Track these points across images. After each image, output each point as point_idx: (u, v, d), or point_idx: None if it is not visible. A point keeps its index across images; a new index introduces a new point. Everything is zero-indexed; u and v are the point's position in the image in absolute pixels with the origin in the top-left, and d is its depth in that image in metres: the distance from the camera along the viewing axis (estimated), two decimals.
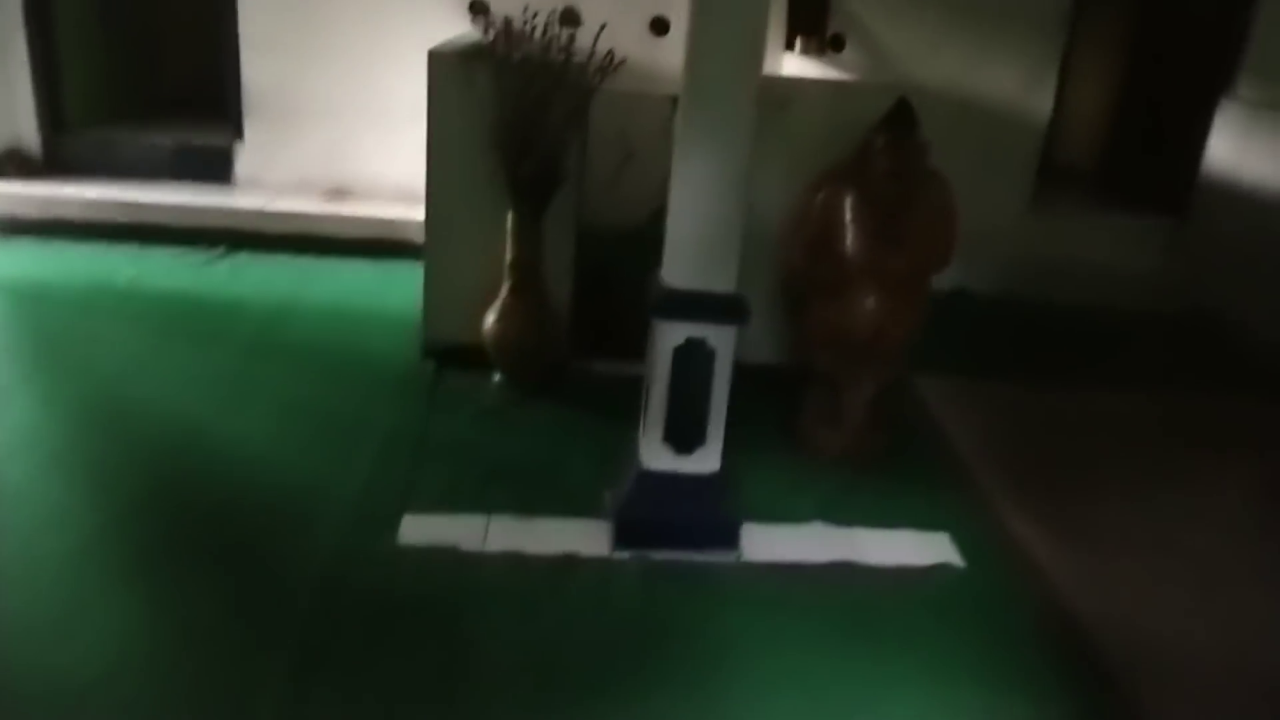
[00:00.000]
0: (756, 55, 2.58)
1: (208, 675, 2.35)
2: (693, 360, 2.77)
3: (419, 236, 5.22)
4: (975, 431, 3.82)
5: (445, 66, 3.71)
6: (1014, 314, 5.26)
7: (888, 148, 3.25)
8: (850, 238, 3.32)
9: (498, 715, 2.31)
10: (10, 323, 4.14)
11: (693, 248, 2.68)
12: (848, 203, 3.32)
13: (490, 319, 3.82)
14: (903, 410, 3.71)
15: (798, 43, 5.46)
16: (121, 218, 5.14)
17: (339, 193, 5.61)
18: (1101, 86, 6.56)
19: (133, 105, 6.15)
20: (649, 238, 4.24)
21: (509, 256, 3.76)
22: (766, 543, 2.96)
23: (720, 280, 2.72)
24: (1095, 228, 5.89)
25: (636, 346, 4.14)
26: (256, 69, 5.46)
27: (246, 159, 5.60)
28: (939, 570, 2.94)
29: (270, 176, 5.60)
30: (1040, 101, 5.74)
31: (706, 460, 2.86)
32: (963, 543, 3.07)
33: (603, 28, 3.49)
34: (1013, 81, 5.69)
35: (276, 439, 3.40)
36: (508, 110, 3.57)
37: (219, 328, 4.29)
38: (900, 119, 3.26)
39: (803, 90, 3.87)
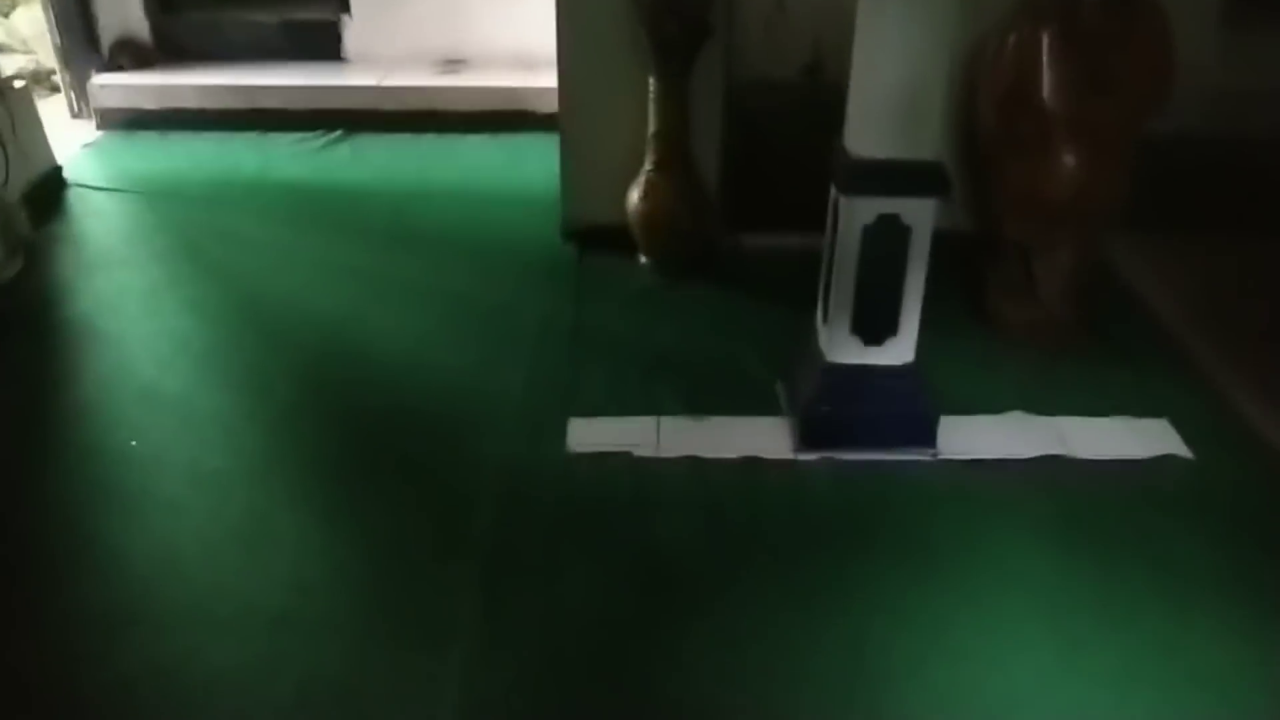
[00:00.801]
0: None
1: (398, 591, 2.26)
2: (885, 240, 2.45)
3: (541, 105, 4.96)
4: (1181, 296, 3.41)
5: None
6: (1205, 154, 4.67)
7: None
8: (1051, 86, 2.88)
9: (697, 627, 2.16)
10: (147, 221, 4.04)
11: (885, 109, 2.32)
12: (1047, 43, 2.87)
13: (634, 197, 3.54)
14: (1101, 278, 3.31)
15: None
16: (236, 104, 4.95)
17: (453, 63, 5.30)
18: None
19: None
20: (804, 94, 3.91)
21: (652, 127, 3.43)
22: (963, 437, 2.69)
23: (919, 146, 2.37)
24: None
25: (793, 217, 3.86)
26: None
27: (355, 32, 5.30)
28: (1163, 463, 2.63)
29: (381, 50, 5.31)
30: None
31: (899, 351, 2.58)
32: (1186, 429, 2.74)
33: None
34: None
35: (427, 334, 3.25)
36: None
37: (349, 216, 4.12)
38: None
39: None
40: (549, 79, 5.03)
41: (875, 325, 2.55)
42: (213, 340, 3.19)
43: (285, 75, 5.09)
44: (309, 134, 4.91)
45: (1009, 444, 2.68)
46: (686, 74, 3.35)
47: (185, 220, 4.04)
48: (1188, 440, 2.70)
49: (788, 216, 3.81)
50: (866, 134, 2.36)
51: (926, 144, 2.37)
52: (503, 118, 5.01)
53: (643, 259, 3.66)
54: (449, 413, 2.85)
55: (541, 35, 5.20)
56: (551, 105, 4.94)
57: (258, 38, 5.31)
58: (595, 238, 3.75)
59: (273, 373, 3.02)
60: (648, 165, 3.49)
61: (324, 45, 5.30)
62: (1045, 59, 2.89)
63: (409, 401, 2.91)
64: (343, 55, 5.34)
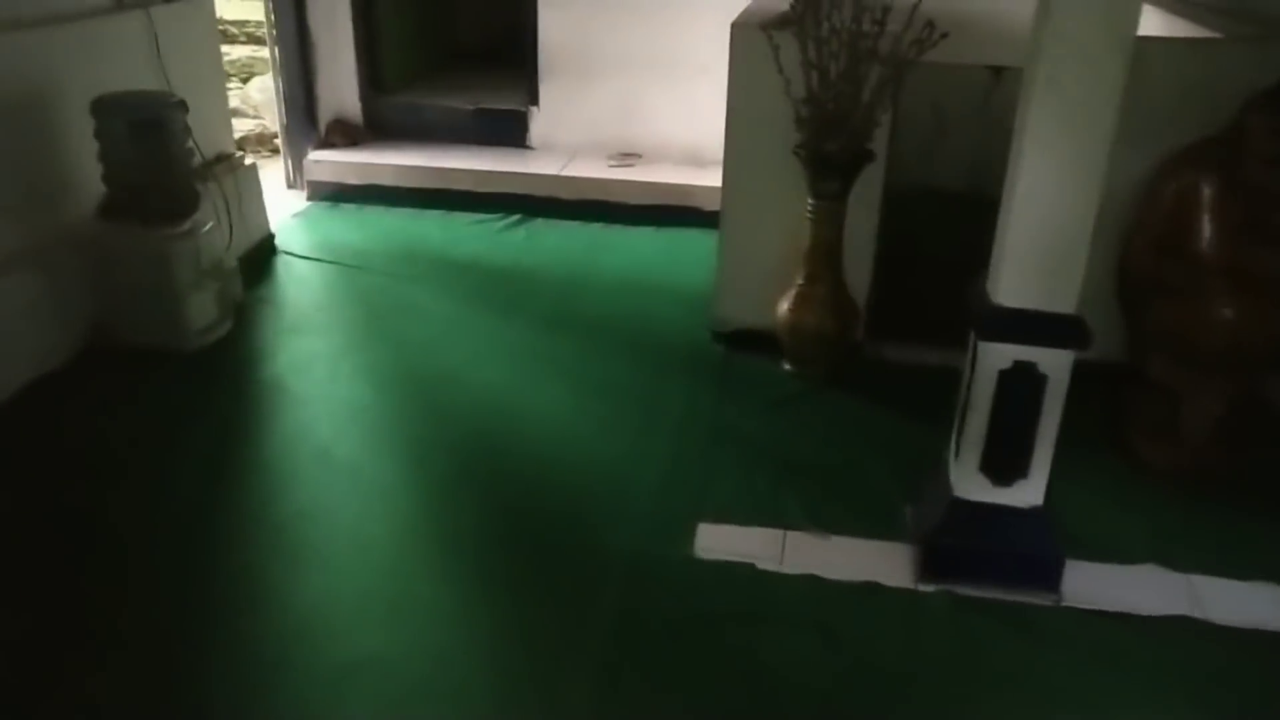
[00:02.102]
0: (1133, 11, 2.21)
1: (524, 669, 2.42)
2: (1020, 386, 2.50)
3: (707, 203, 5.20)
4: None
5: (748, 37, 3.54)
6: None
7: (1268, 129, 2.75)
8: (1210, 236, 2.87)
9: None
10: (340, 289, 4.47)
11: (1031, 259, 2.40)
12: (1210, 192, 2.87)
13: (784, 307, 3.68)
14: (1258, 420, 3.22)
15: None
16: (429, 183, 5.41)
17: (628, 156, 5.62)
18: None
19: (438, 65, 6.44)
20: (958, 207, 3.97)
21: (807, 243, 3.58)
22: (1090, 584, 2.67)
23: (1060, 299, 2.42)
24: None
25: (938, 331, 3.91)
26: (553, 26, 5.53)
27: (540, 122, 5.71)
28: None
29: (562, 139, 5.69)
30: None
31: (1028, 494, 2.60)
32: None
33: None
34: None
35: (575, 419, 3.47)
36: (815, 85, 3.36)
37: (518, 296, 4.43)
38: None
39: (1144, 47, 3.36)
40: (717, 178, 5.29)
41: (1005, 467, 2.59)
42: (383, 408, 3.51)
43: (475, 159, 5.52)
44: (490, 215, 5.30)
45: (1138, 597, 2.64)
46: (844, 196, 3.49)
47: (373, 289, 4.45)
48: None
49: (932, 330, 3.89)
50: (1010, 281, 2.43)
51: (1068, 297, 2.42)
52: (670, 211, 5.27)
53: (786, 365, 3.79)
54: (586, 499, 3.04)
55: (713, 133, 5.44)
56: (717, 203, 5.19)
57: (453, 122, 5.79)
58: (743, 340, 3.91)
59: (432, 443, 3.30)
60: (799, 279, 3.64)
61: (512, 132, 5.73)
62: (1205, 205, 2.89)
63: (551, 484, 3.12)
64: (528, 143, 5.74)
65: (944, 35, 3.14)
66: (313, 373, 3.71)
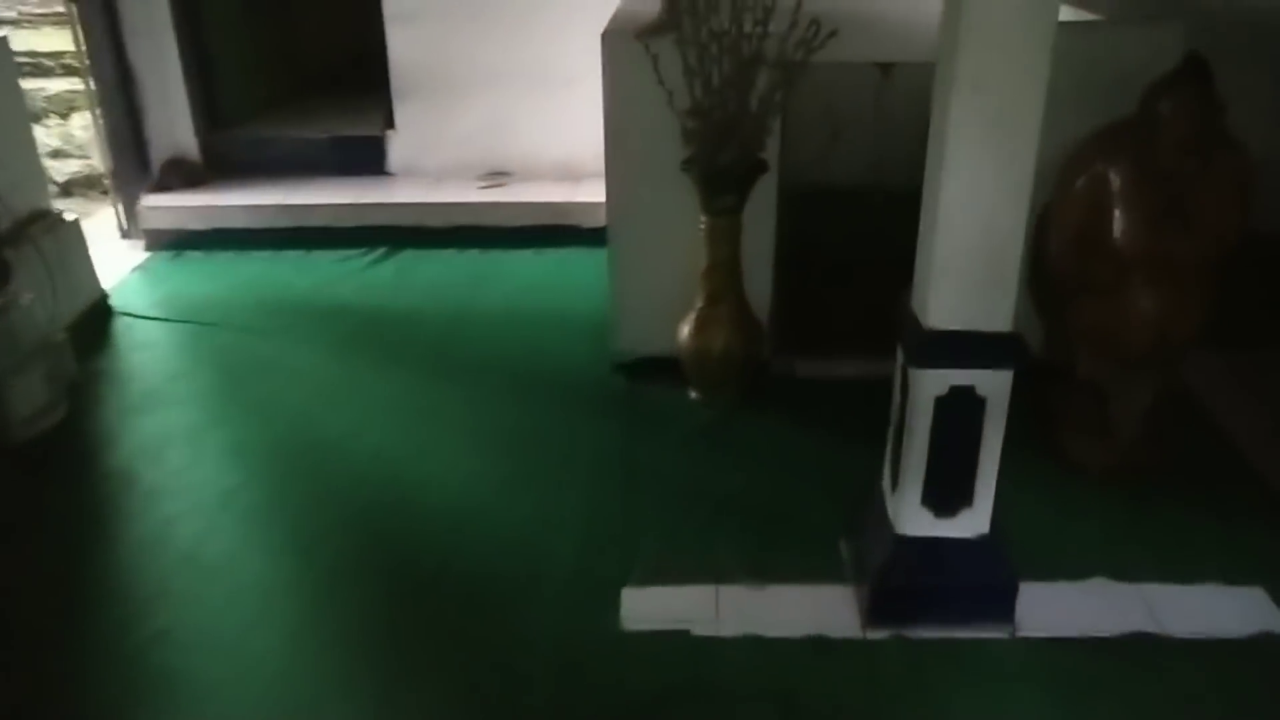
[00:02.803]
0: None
1: None
2: (958, 411, 2.32)
3: (586, 220, 4.93)
4: (1254, 423, 3.25)
5: (622, 47, 3.28)
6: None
7: (1179, 114, 2.65)
8: (1126, 225, 2.76)
9: None
10: (192, 353, 4.01)
11: (962, 277, 2.21)
12: (1122, 182, 2.76)
13: (686, 331, 3.44)
14: (1180, 411, 3.15)
15: None
16: (283, 222, 4.97)
17: (497, 175, 5.29)
18: None
19: (282, 93, 5.97)
20: (857, 212, 3.82)
21: (705, 262, 3.35)
22: (1042, 608, 2.51)
23: (996, 316, 2.25)
24: None
25: (846, 340, 3.75)
26: (402, 44, 5.14)
27: (399, 147, 5.32)
28: (1262, 642, 2.44)
29: (425, 163, 5.32)
30: None
31: (974, 522, 2.43)
32: None
33: None
34: None
35: (476, 480, 3.15)
36: (699, 95, 3.12)
37: (396, 342, 4.07)
38: (1193, 76, 2.64)
39: None
40: (594, 192, 5.03)
41: (948, 497, 2.41)
42: (256, 492, 3.11)
43: (331, 193, 5.10)
44: (354, 251, 4.90)
45: (1094, 619, 2.50)
46: (739, 210, 3.27)
47: (231, 350, 4.01)
48: None
49: (840, 339, 3.73)
50: (940, 303, 2.24)
51: (1004, 313, 2.24)
52: (549, 232, 4.98)
53: (692, 393, 3.55)
54: (498, 577, 2.73)
55: (586, 146, 5.22)
56: (597, 219, 4.93)
57: (305, 153, 5.35)
58: (645, 369, 3.66)
59: (319, 530, 2.93)
60: (699, 301, 3.40)
61: (370, 160, 5.33)
62: (1119, 197, 2.78)
63: (459, 561, 2.80)
64: (387, 169, 5.36)
65: (832, 33, 2.94)
66: (168, 457, 3.27)
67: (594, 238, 4.93)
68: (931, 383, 2.31)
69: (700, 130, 3.18)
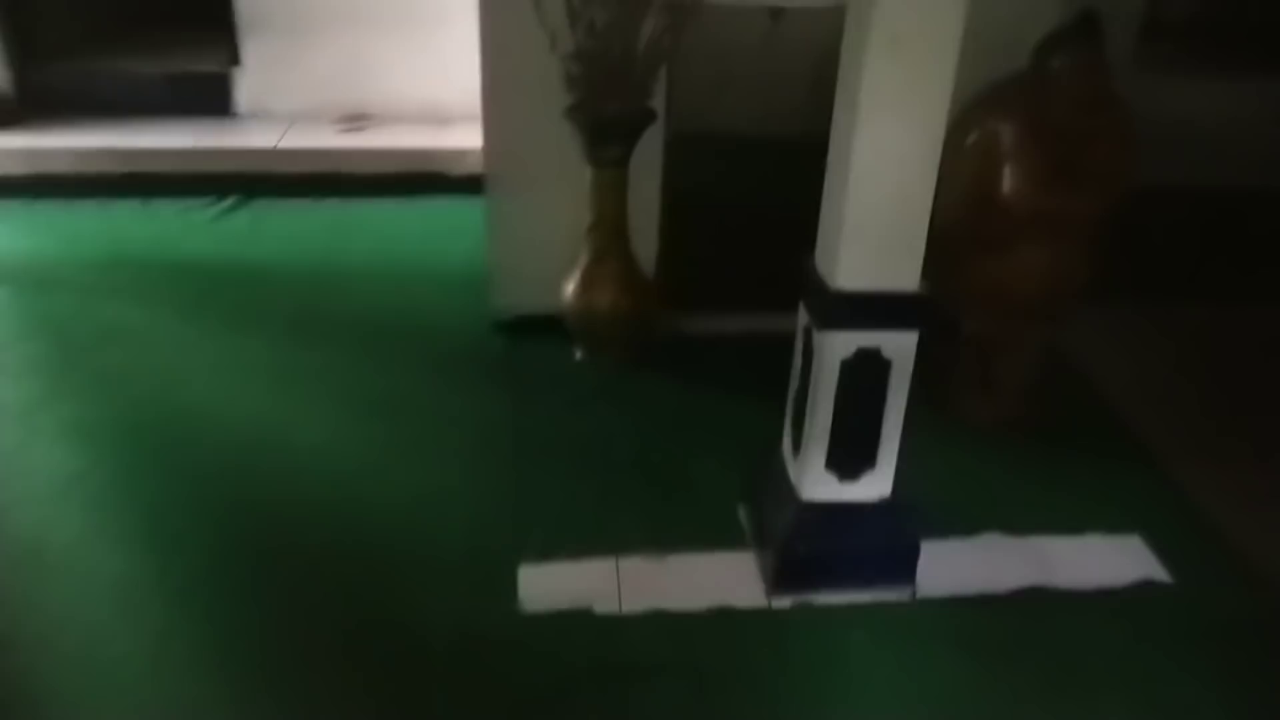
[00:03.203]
0: None
1: None
2: (864, 374, 2.27)
3: (456, 167, 4.68)
4: (1136, 376, 3.38)
5: None
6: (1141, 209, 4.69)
7: (1072, 71, 2.64)
8: (1018, 181, 2.76)
9: None
10: (17, 317, 3.60)
11: (872, 237, 2.14)
12: (1013, 139, 2.75)
13: (571, 289, 3.29)
14: (1053, 363, 3.22)
15: None
16: (116, 168, 4.52)
17: (357, 118, 4.96)
18: None
19: (109, 25, 5.41)
20: (744, 160, 3.73)
21: (591, 218, 3.20)
22: (939, 567, 2.52)
23: (904, 276, 2.19)
24: (1207, 92, 5.20)
25: (733, 293, 3.68)
26: None
27: (248, 85, 4.91)
28: (1142, 589, 2.52)
29: (277, 104, 4.94)
30: None
31: (877, 486, 2.41)
32: (1160, 545, 2.65)
33: None
34: None
35: (354, 449, 2.94)
36: (584, 38, 2.94)
37: (253, 300, 3.76)
38: (1086, 33, 2.64)
39: None
40: (463, 137, 4.78)
41: (852, 461, 2.37)
42: (106, 474, 2.80)
43: (172, 134, 4.68)
44: (199, 201, 4.51)
45: (989, 573, 2.54)
46: (625, 162, 3.13)
47: (64, 313, 3.62)
48: (1164, 560, 2.60)
49: (727, 292, 3.66)
50: (849, 264, 2.17)
51: (912, 274, 2.20)
52: (415, 180, 4.71)
53: (578, 353, 3.42)
54: (388, 557, 2.55)
55: (453, 87, 4.95)
56: (466, 167, 4.69)
57: (139, 91, 4.89)
58: (526, 328, 3.50)
59: (182, 512, 2.67)
60: (585, 257, 3.26)
61: (213, 100, 4.91)
62: (1011, 153, 2.77)
63: (341, 543, 2.60)
64: (234, 111, 4.94)
65: None
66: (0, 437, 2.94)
67: (463, 186, 4.69)
68: (838, 345, 2.25)
69: (584, 76, 3.00)
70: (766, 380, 2.70)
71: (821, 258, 2.28)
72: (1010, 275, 2.87)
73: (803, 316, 2.39)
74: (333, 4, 4.79)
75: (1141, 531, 2.70)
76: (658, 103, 3.13)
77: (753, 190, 3.64)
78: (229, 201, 4.52)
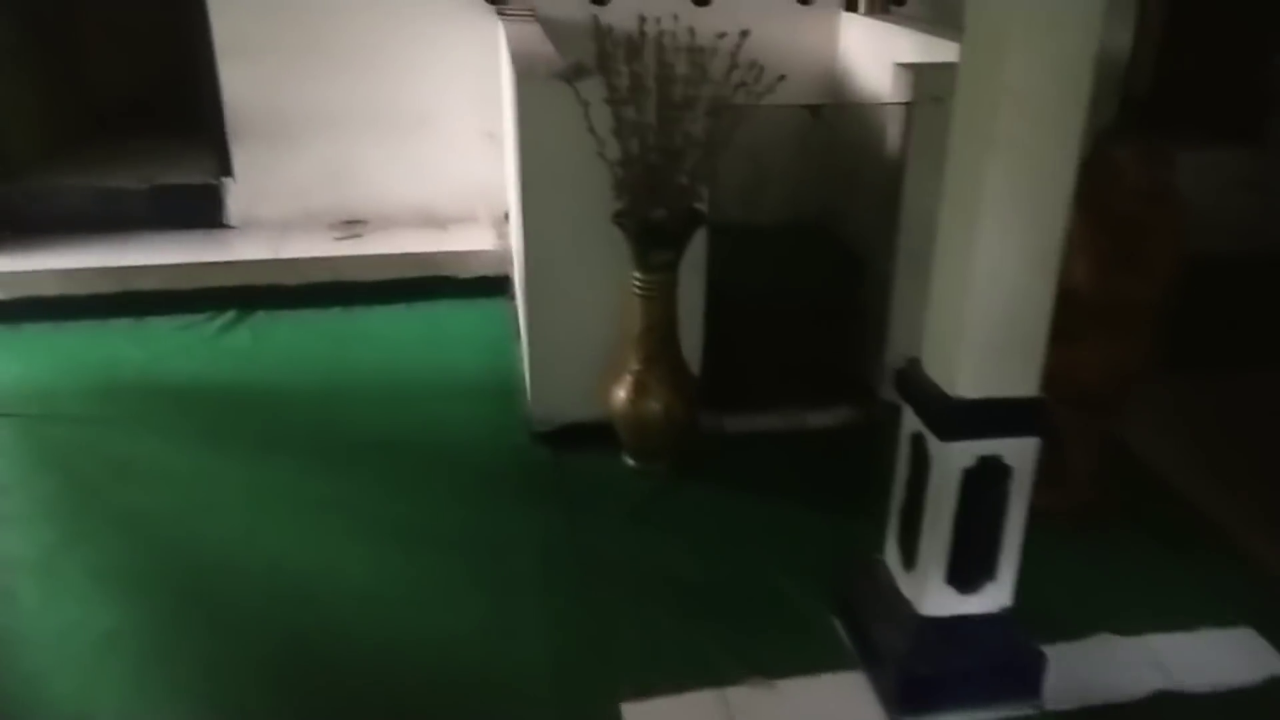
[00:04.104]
0: (1091, 46, 1.90)
1: None
2: (984, 483, 2.18)
3: (459, 270, 4.57)
4: (1175, 450, 3.35)
5: (540, 92, 2.98)
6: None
7: (1137, 162, 2.65)
8: (1084, 270, 2.73)
9: None
10: (20, 453, 3.35)
11: (993, 343, 2.07)
12: (1078, 229, 2.71)
13: (620, 395, 3.17)
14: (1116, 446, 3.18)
15: (860, 2, 4.79)
16: (107, 287, 4.30)
17: (351, 224, 4.82)
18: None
19: (79, 134, 5.23)
20: (784, 250, 3.68)
21: (640, 323, 3.09)
22: (1060, 675, 2.40)
23: (1024, 380, 2.12)
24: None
25: (771, 391, 3.60)
26: (239, 81, 4.59)
27: (238, 195, 4.75)
28: (1271, 687, 2.44)
29: (269, 213, 4.78)
30: (1119, 30, 5.15)
31: (998, 596, 2.30)
32: (1271, 632, 2.58)
33: (744, 34, 2.79)
34: None
35: (405, 587, 2.74)
36: (633, 144, 2.87)
37: (266, 423, 3.56)
38: (1137, 121, 2.65)
39: (953, 74, 3.23)
40: (463, 240, 4.68)
41: (973, 573, 2.26)
42: (142, 629, 2.57)
43: (163, 249, 4.48)
44: (197, 317, 4.31)
45: (1109, 680, 2.43)
46: (675, 266, 3.04)
47: (70, 447, 3.38)
48: None
49: (769, 389, 3.58)
50: (969, 371, 2.09)
51: (1030, 378, 2.12)
52: (418, 285, 4.56)
53: (629, 460, 3.28)
54: (468, 701, 2.36)
55: (445, 190, 4.88)
56: (470, 269, 4.58)
57: (123, 206, 4.69)
58: (570, 437, 3.36)
59: (231, 672, 2.44)
60: (634, 363, 3.14)
61: (205, 211, 4.73)
62: (1075, 243, 2.73)
63: (413, 693, 2.39)
64: (226, 221, 4.77)
65: (781, 78, 2.77)
66: (20, 595, 2.68)
67: (468, 289, 4.60)
68: (959, 455, 2.15)
69: (633, 181, 2.93)
70: (822, 480, 2.75)
71: (933, 363, 2.20)
72: (1076, 364, 2.82)
73: (909, 423, 2.30)
74: (319, 108, 4.68)
75: (1252, 622, 2.62)
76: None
77: (786, 280, 3.59)
78: (228, 316, 4.33)
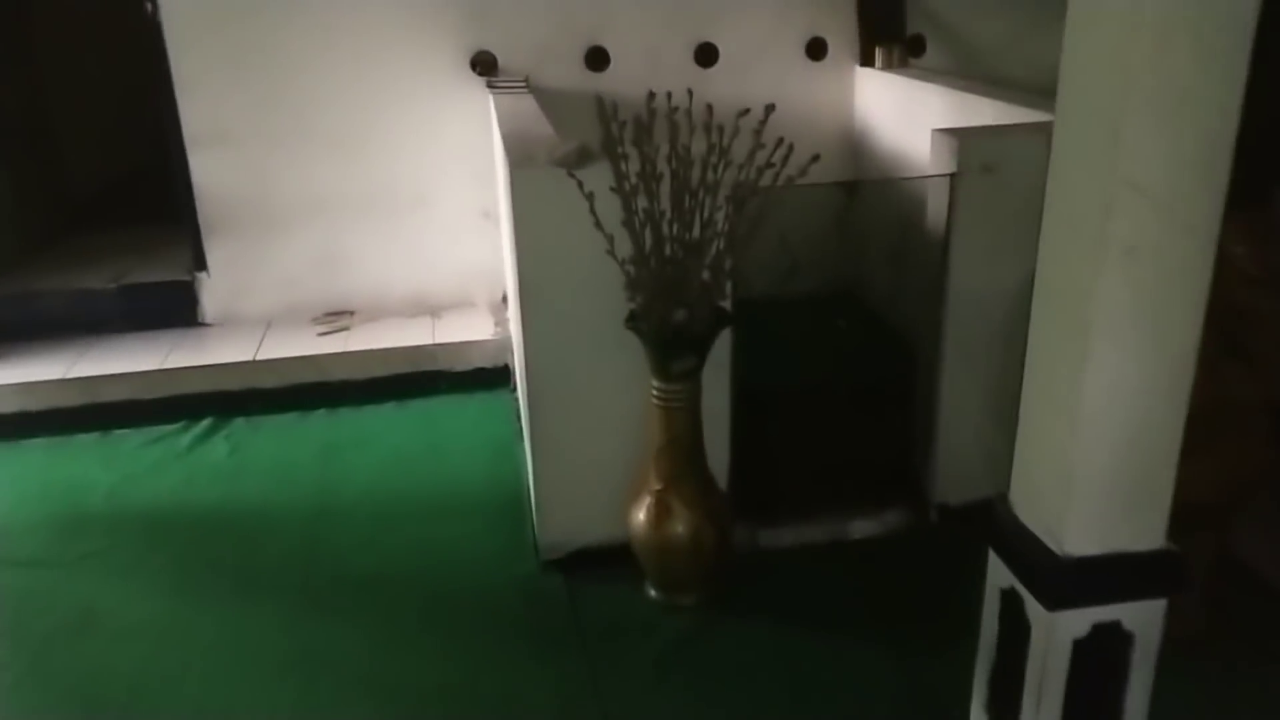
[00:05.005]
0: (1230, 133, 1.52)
1: None
2: (1100, 655, 1.77)
3: (454, 363, 4.20)
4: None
5: (537, 182, 2.63)
6: None
7: (1245, 240, 2.27)
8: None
9: None
10: None
11: (1112, 489, 1.68)
12: None
13: (640, 519, 2.78)
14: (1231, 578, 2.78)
15: (878, 56, 4.47)
16: (71, 400, 3.93)
17: (337, 317, 4.46)
18: None
19: (46, 236, 4.90)
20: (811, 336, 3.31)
21: (660, 438, 2.71)
22: None
23: (1148, 532, 1.73)
24: None
25: (813, 496, 3.21)
26: (211, 169, 4.26)
27: (214, 291, 4.40)
28: None
29: (249, 309, 4.43)
30: None
31: None
32: None
33: (770, 109, 2.43)
34: None
35: None
36: (648, 238, 2.51)
37: (245, 557, 3.16)
38: (1260, 204, 2.28)
39: (1009, 142, 2.88)
40: (459, 329, 4.32)
41: None
42: None
43: (132, 356, 4.12)
44: (170, 428, 3.94)
45: None
46: (698, 374, 2.66)
47: (19, 593, 2.98)
48: None
49: (804, 496, 3.20)
50: (1083, 525, 1.70)
51: (1157, 527, 1.73)
52: (410, 381, 4.19)
53: (652, 591, 2.88)
54: None
55: (441, 273, 4.52)
56: (467, 361, 4.22)
57: (89, 308, 4.34)
58: (585, 563, 2.97)
59: None
60: (655, 483, 2.75)
61: (177, 310, 4.38)
62: None
63: None
64: (201, 319, 4.41)
65: (815, 158, 2.40)
66: None
67: (466, 382, 4.23)
68: (1069, 623, 1.75)
69: (648, 280, 2.56)
70: (878, 605, 2.48)
71: (1030, 508, 1.80)
72: (1184, 477, 2.42)
73: (997, 574, 1.90)
74: (302, 194, 4.36)
75: None
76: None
77: (829, 370, 3.22)
78: (203, 425, 3.95)
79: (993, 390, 3.05)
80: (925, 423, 3.17)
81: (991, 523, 1.88)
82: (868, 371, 3.38)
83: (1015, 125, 3.02)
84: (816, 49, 4.52)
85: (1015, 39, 4.62)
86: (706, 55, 4.45)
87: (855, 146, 4.53)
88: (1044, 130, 2.95)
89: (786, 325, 3.25)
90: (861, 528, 3.17)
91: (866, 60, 4.50)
